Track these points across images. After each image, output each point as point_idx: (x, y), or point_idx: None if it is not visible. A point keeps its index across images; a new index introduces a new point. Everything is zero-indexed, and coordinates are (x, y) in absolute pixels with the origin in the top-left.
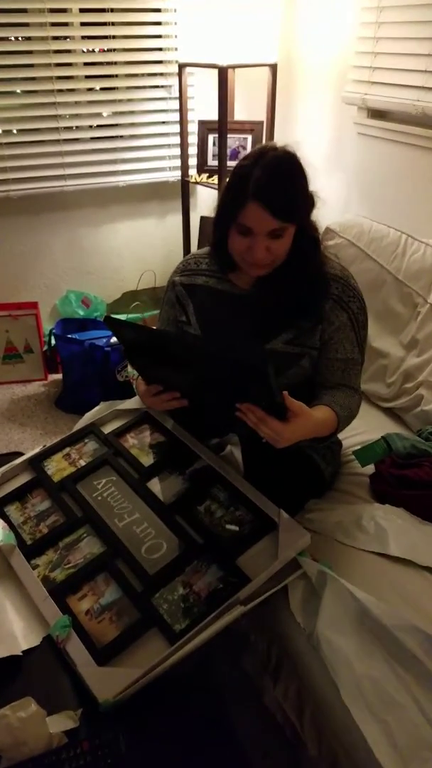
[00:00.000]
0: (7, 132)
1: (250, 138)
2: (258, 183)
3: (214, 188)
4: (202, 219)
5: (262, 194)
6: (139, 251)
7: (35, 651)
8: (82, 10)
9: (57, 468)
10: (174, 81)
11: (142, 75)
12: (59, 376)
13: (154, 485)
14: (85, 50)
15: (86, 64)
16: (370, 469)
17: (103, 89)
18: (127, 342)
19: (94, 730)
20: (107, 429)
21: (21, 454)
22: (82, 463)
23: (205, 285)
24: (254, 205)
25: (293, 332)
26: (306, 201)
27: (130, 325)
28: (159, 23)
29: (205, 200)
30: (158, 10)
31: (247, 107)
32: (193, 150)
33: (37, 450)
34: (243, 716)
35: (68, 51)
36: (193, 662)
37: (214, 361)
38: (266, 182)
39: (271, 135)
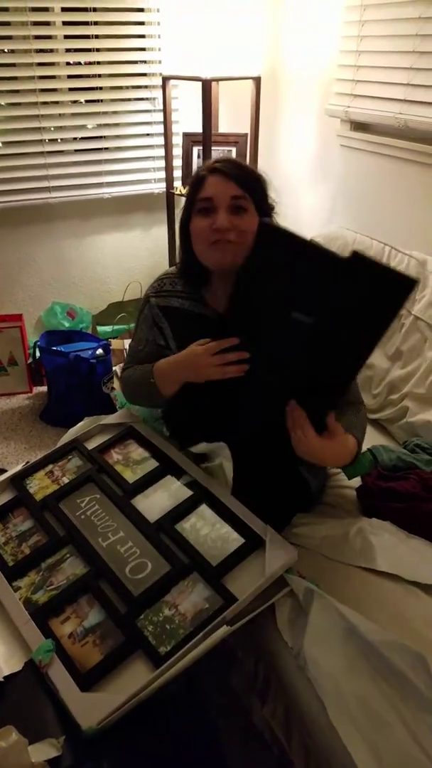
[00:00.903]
0: None
1: (234, 150)
2: (214, 162)
3: None
4: None
5: (219, 166)
6: (125, 262)
7: (17, 677)
8: (65, 23)
9: (39, 486)
10: (158, 93)
11: (127, 87)
12: (44, 388)
13: (139, 502)
14: (69, 62)
15: (70, 76)
16: (357, 481)
17: (87, 101)
18: (264, 257)
19: (78, 759)
20: (91, 444)
21: (3, 470)
22: (66, 480)
23: (181, 308)
24: (212, 176)
25: None
26: (261, 183)
27: (293, 236)
28: (143, 36)
29: None
30: (142, 23)
31: (232, 120)
32: (177, 162)
33: (18, 467)
34: (231, 735)
35: (52, 63)
36: (180, 682)
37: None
38: (222, 160)
39: (255, 147)
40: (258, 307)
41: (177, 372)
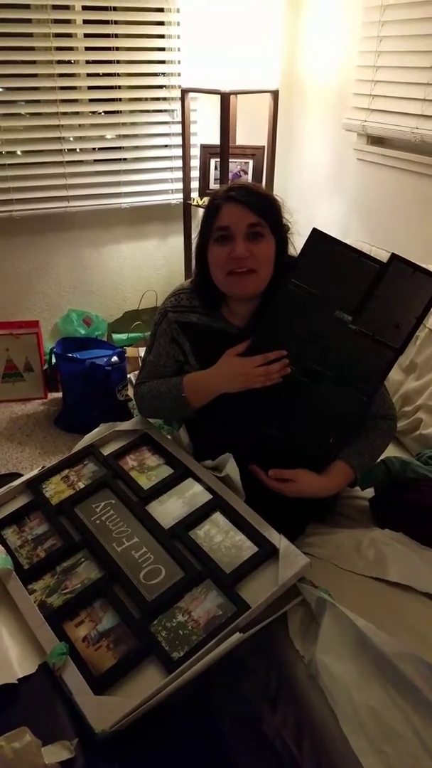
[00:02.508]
0: (12, 153)
1: (251, 162)
2: (229, 189)
3: None
4: None
5: (234, 194)
6: (141, 271)
7: (31, 679)
8: (86, 35)
9: (55, 490)
10: (177, 106)
11: (146, 99)
12: (59, 394)
13: (154, 509)
14: (89, 74)
15: (90, 87)
16: (370, 492)
17: (107, 113)
18: (313, 257)
19: (90, 761)
20: (107, 450)
21: (19, 475)
22: (81, 485)
23: (200, 323)
24: (228, 205)
25: None
26: (276, 207)
27: (338, 242)
28: (162, 49)
29: None
30: (162, 37)
31: (249, 132)
32: (195, 173)
33: (35, 472)
34: (241, 743)
35: (73, 74)
36: (191, 689)
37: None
38: (236, 187)
39: (272, 160)
40: (301, 308)
41: (215, 384)
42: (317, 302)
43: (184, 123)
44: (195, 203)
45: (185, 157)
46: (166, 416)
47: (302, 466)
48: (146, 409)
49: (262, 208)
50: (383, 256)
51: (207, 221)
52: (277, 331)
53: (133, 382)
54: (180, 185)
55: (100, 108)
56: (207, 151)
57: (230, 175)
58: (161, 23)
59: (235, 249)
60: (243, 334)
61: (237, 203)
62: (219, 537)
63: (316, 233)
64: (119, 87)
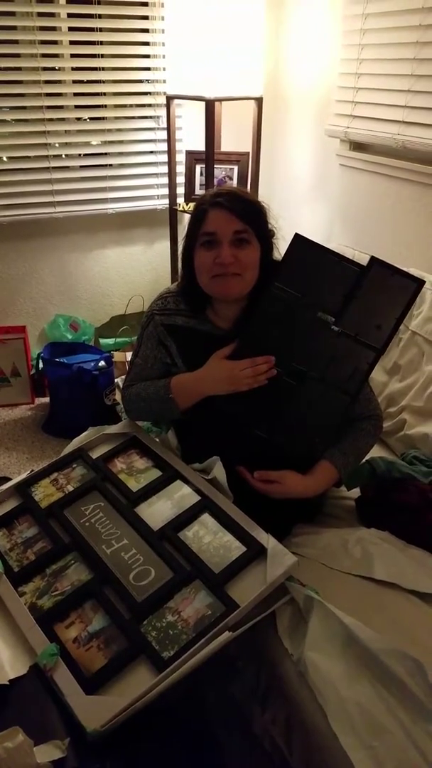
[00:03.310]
0: None
1: (236, 168)
2: (216, 194)
3: None
4: None
5: (221, 200)
6: (128, 276)
7: (22, 680)
8: (72, 42)
9: (44, 493)
10: (162, 112)
11: (131, 106)
12: (46, 399)
13: (143, 510)
14: (74, 81)
15: (76, 94)
16: (356, 492)
17: (92, 119)
18: (296, 262)
19: (82, 760)
20: (95, 453)
21: (8, 479)
22: (70, 488)
23: (186, 325)
24: (214, 211)
25: None
26: (262, 214)
27: (319, 247)
28: (148, 56)
29: None
30: (147, 44)
31: (234, 138)
32: (180, 179)
33: (24, 475)
34: (231, 743)
35: (58, 81)
36: (181, 689)
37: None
38: (224, 192)
39: (256, 166)
40: (286, 311)
41: (202, 386)
42: (301, 305)
43: (170, 129)
44: (181, 209)
45: (171, 163)
46: (153, 418)
47: (288, 466)
48: (134, 412)
49: (248, 214)
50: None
51: (194, 225)
52: (263, 333)
53: (121, 386)
54: (166, 191)
55: (86, 114)
56: (192, 156)
57: (215, 180)
58: (146, 30)
59: (220, 254)
60: (229, 337)
61: (224, 209)
62: (208, 538)
63: (298, 238)
64: (105, 94)
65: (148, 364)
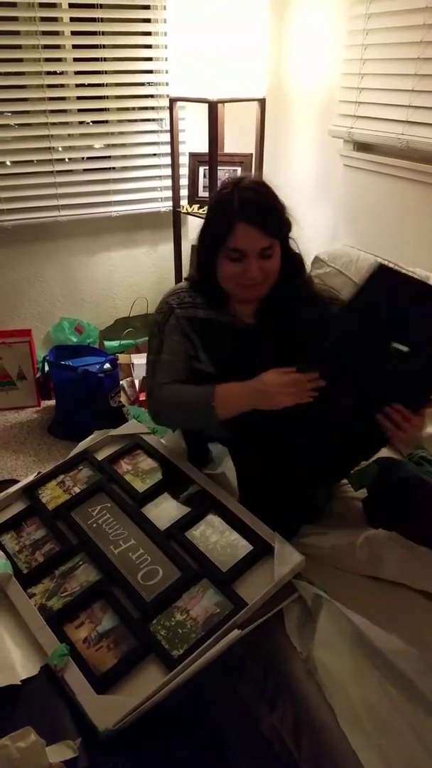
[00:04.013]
0: (1, 164)
1: (239, 170)
2: (243, 204)
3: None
4: (193, 248)
5: (248, 213)
6: (132, 279)
7: (34, 680)
8: (75, 46)
9: (52, 496)
10: (165, 115)
11: (134, 109)
12: (52, 402)
13: (149, 511)
14: (77, 84)
15: (79, 98)
16: (363, 493)
17: (95, 122)
18: (375, 295)
19: (93, 760)
20: (101, 455)
21: (15, 481)
22: (77, 490)
23: (208, 317)
24: (243, 226)
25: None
26: (285, 219)
27: (402, 275)
28: (150, 59)
29: (196, 230)
30: (149, 47)
31: (237, 140)
32: (184, 181)
33: (31, 478)
34: (239, 743)
35: (61, 85)
36: (190, 690)
37: None
38: (251, 202)
39: (260, 167)
40: (358, 339)
41: (246, 399)
42: (374, 334)
43: (173, 131)
44: (184, 211)
45: (174, 165)
46: (187, 425)
47: (317, 480)
48: (167, 416)
49: (274, 228)
50: (371, 261)
51: (218, 234)
52: (335, 363)
53: (126, 388)
54: (169, 193)
55: (89, 118)
56: (195, 159)
57: (219, 182)
58: (148, 33)
59: (249, 269)
60: (251, 329)
61: (251, 225)
62: (214, 537)
63: (381, 270)
64: (107, 97)
65: (177, 358)
